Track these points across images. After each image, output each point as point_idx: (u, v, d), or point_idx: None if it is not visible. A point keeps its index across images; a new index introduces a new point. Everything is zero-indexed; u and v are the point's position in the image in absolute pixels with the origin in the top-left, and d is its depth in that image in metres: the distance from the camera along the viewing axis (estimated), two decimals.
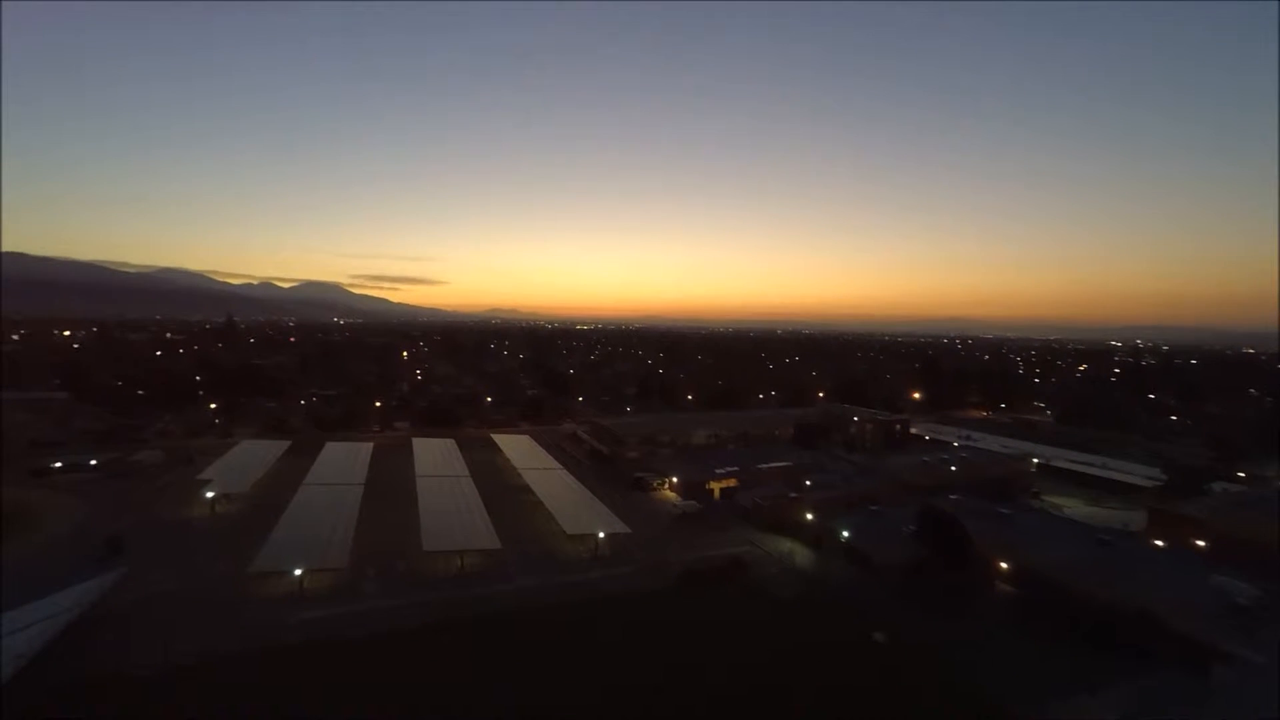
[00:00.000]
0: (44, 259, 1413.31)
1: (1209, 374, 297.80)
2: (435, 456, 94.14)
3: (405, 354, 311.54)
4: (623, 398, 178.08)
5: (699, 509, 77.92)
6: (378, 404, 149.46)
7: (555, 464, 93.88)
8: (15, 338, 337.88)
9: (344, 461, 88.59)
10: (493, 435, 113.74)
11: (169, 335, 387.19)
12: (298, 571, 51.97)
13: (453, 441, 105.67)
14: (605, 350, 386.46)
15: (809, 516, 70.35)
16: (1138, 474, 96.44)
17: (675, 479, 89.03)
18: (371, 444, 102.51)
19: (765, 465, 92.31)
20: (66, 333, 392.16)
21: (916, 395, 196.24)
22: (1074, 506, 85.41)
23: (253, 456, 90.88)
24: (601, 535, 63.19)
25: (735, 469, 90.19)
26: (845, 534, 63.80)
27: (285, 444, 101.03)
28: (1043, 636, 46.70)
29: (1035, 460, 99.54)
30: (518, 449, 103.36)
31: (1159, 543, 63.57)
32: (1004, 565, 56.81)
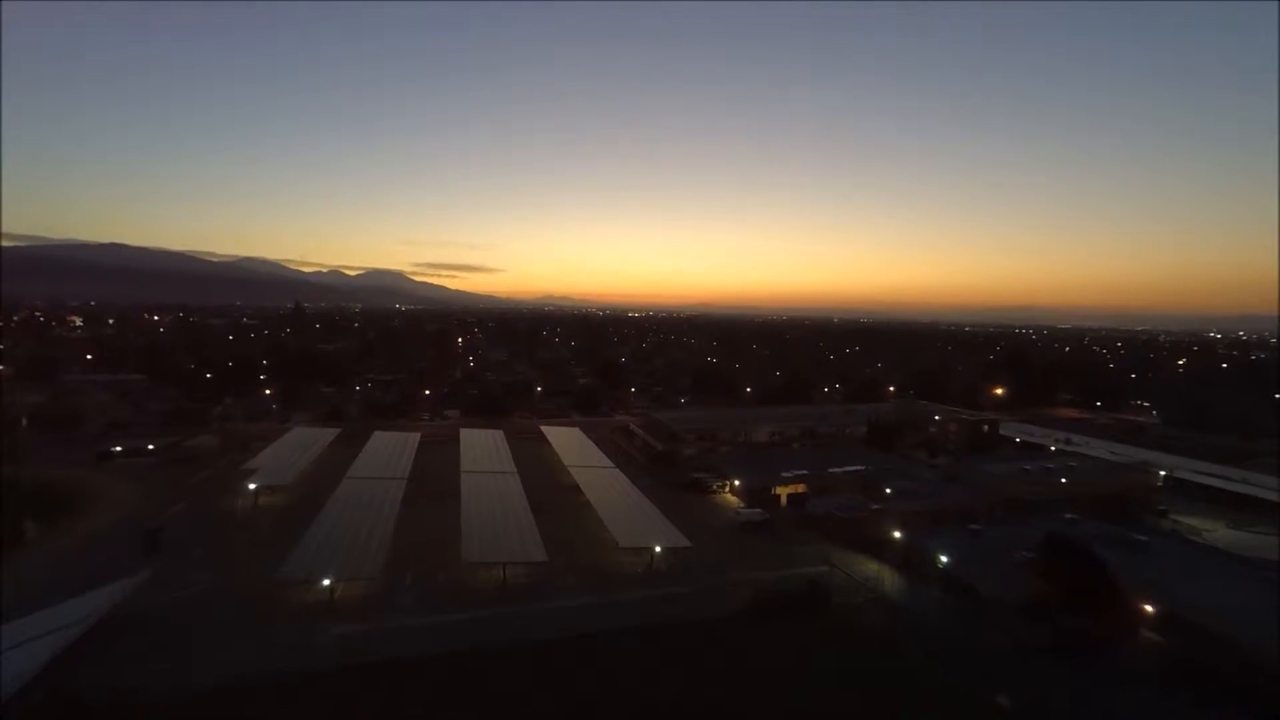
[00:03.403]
0: (142, 249, 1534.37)
1: None
2: (482, 449, 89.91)
3: (460, 340, 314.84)
4: (677, 389, 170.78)
5: (764, 518, 69.94)
6: (429, 392, 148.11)
7: (607, 461, 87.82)
8: (110, 322, 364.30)
9: (390, 453, 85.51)
10: (542, 427, 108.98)
11: (244, 320, 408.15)
12: (328, 581, 47.86)
13: (501, 433, 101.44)
14: (657, 338, 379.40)
15: (895, 534, 61.19)
16: None
17: (736, 482, 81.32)
18: (419, 434, 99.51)
19: (837, 469, 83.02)
20: (155, 318, 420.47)
21: (998, 391, 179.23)
22: (1214, 530, 72.03)
23: (302, 445, 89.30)
24: (658, 549, 56.41)
25: (803, 472, 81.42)
26: (943, 558, 54.49)
27: (335, 432, 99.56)
28: (1217, 710, 36.70)
29: (1162, 473, 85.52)
30: (568, 443, 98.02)
31: None
32: (1148, 608, 46.44)
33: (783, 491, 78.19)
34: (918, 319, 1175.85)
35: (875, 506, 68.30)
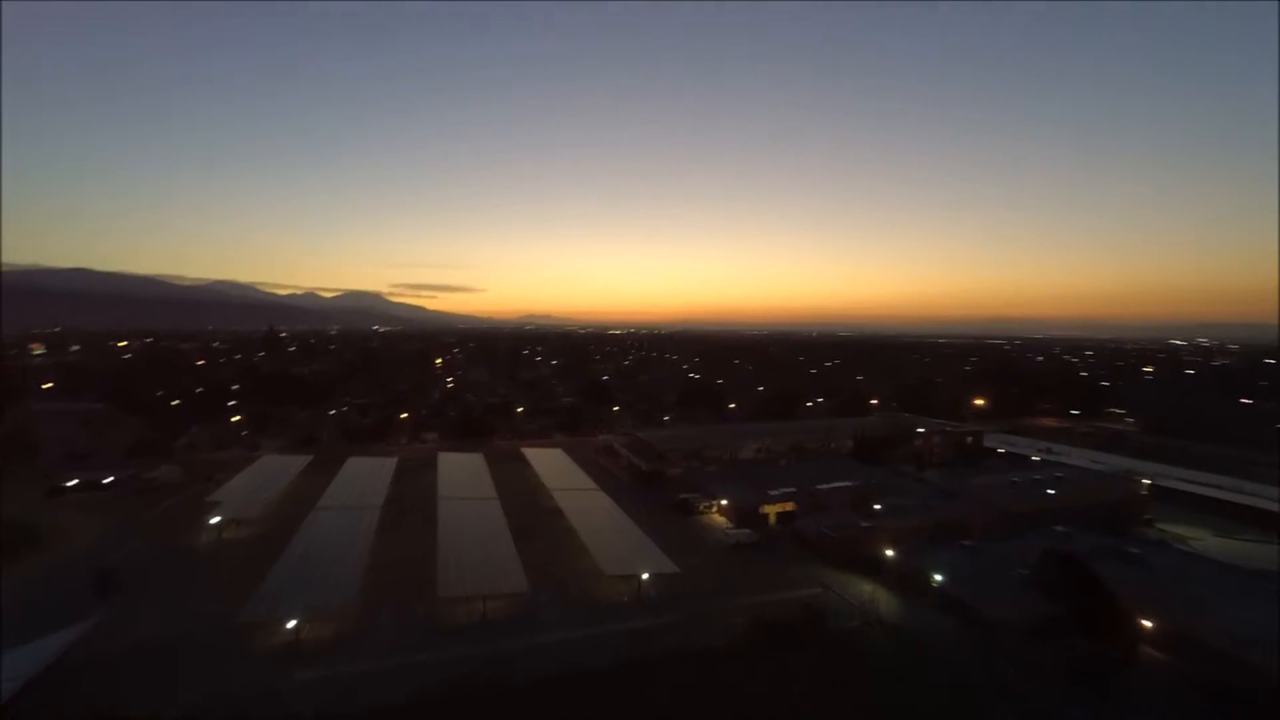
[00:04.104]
0: (108, 274, 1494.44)
1: None
2: (461, 474, 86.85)
3: (439, 361, 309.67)
4: (661, 407, 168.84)
5: (754, 538, 68.02)
6: (407, 414, 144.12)
7: (591, 483, 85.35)
8: (74, 349, 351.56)
9: (364, 480, 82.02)
10: (524, 449, 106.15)
11: (215, 345, 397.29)
12: (294, 621, 44.62)
13: (481, 456, 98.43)
14: (640, 356, 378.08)
15: (888, 551, 59.66)
16: (1267, 497, 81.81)
17: (724, 501, 79.39)
18: (395, 459, 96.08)
19: (826, 485, 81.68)
20: (122, 343, 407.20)
21: (979, 402, 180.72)
22: (1201, 539, 71.93)
23: (271, 474, 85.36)
24: (645, 577, 54.03)
25: (792, 490, 79.86)
26: (938, 576, 53.08)
27: (306, 459, 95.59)
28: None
29: (1146, 481, 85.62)
30: (550, 464, 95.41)
31: None
32: (1146, 624, 45.41)
33: (771, 510, 76.43)
34: (895, 332, 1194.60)
35: (866, 524, 66.90)
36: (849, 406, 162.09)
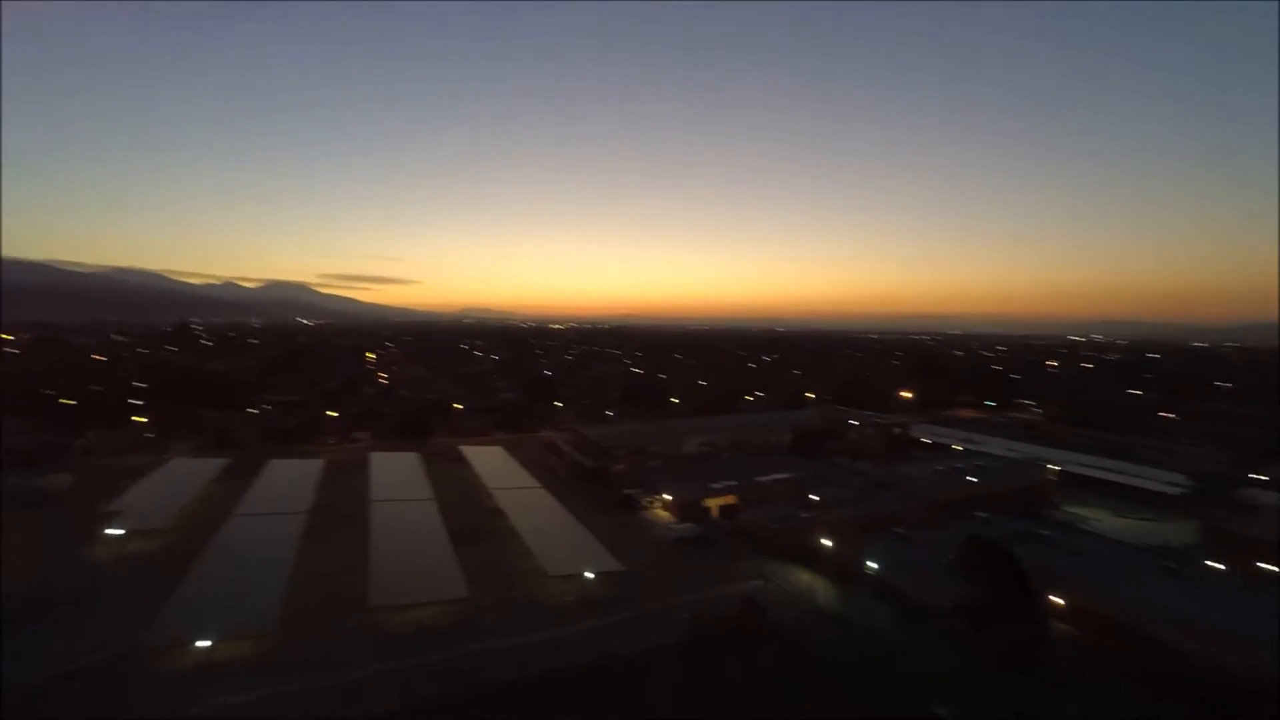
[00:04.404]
0: None
1: (1178, 369, 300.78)
2: (396, 475, 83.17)
3: (372, 356, 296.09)
4: (604, 402, 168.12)
5: (697, 533, 68.71)
6: (336, 414, 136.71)
7: (533, 481, 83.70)
8: None
9: (288, 484, 77.03)
10: (463, 447, 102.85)
11: (116, 338, 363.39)
12: (209, 642, 41.12)
13: (417, 456, 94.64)
14: (582, 350, 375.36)
15: (826, 542, 61.69)
16: (1156, 479, 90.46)
17: (668, 496, 79.80)
18: (323, 461, 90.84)
19: (766, 478, 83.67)
20: (8, 337, 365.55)
21: (906, 395, 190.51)
22: (1101, 519, 78.66)
23: (180, 479, 78.71)
24: (590, 576, 53.36)
25: (734, 483, 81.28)
26: (872, 564, 55.31)
27: (222, 463, 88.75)
28: (1140, 706, 38.66)
29: (1054, 467, 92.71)
30: (490, 463, 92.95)
31: (1219, 567, 56.65)
32: (1059, 601, 49.05)
33: (714, 504, 77.50)
34: (830, 328, 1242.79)
35: (805, 515, 68.93)
36: (787, 400, 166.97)
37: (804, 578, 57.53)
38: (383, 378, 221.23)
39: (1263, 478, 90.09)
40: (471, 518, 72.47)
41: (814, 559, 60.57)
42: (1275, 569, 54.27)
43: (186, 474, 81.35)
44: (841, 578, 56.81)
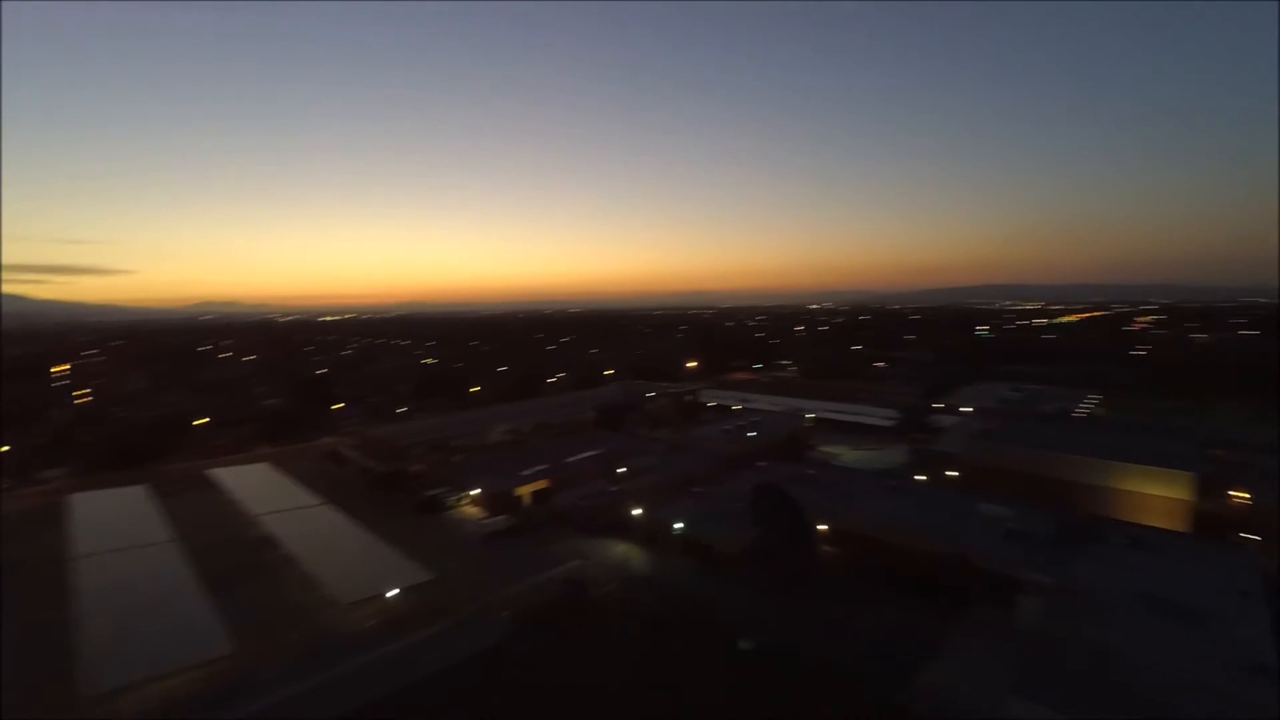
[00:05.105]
0: None
1: (882, 327, 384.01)
2: (112, 518, 64.81)
3: (64, 369, 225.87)
4: (395, 398, 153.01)
5: (511, 524, 66.62)
6: (6, 448, 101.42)
7: (313, 498, 72.27)
8: None
9: None
10: (212, 470, 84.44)
11: None
12: None
13: (142, 489, 75.13)
14: (364, 344, 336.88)
15: (636, 511, 64.63)
16: (876, 416, 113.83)
17: (477, 491, 75.79)
18: None
19: (575, 458, 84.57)
20: None
21: (692, 365, 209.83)
22: (844, 453, 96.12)
23: None
24: (394, 593, 47.93)
25: (544, 467, 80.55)
26: (679, 525, 59.53)
27: None
28: (884, 599, 48.08)
29: (809, 415, 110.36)
30: (253, 484, 77.92)
31: (923, 478, 73.39)
32: (824, 528, 58.53)
33: (525, 491, 75.82)
34: (621, 306, 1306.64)
35: (615, 488, 71.29)
36: (586, 379, 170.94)
37: (620, 549, 59.57)
38: (82, 396, 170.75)
39: (939, 406, 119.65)
40: (232, 553, 59.94)
41: (627, 529, 63.07)
42: (955, 474, 72.30)
43: None
44: (653, 542, 60.17)
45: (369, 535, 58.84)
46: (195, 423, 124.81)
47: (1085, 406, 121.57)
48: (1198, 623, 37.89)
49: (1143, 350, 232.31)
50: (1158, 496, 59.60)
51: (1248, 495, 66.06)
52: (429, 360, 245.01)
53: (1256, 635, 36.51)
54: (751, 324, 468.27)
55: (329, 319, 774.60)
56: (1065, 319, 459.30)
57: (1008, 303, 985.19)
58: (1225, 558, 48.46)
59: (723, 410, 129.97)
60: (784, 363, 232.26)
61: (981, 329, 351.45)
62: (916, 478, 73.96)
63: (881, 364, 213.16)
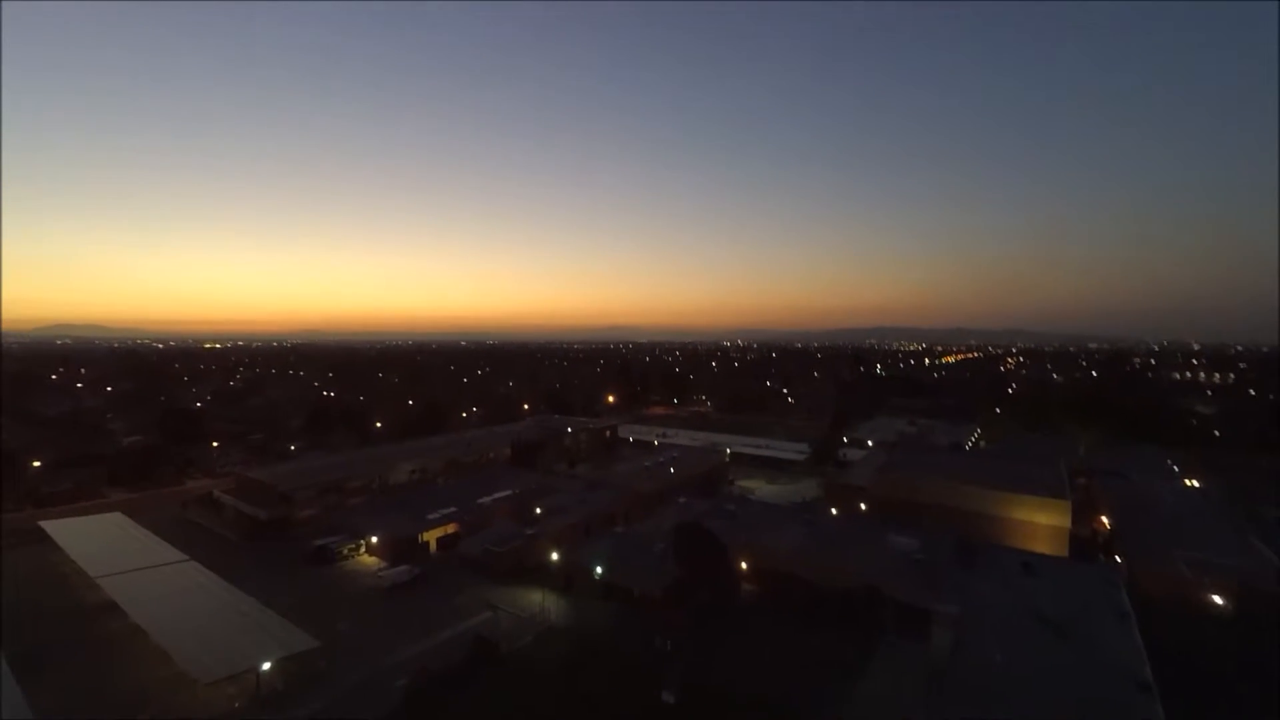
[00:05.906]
0: None
1: (788, 363, 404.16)
2: None
3: None
4: (286, 434, 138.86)
5: (414, 574, 60.57)
6: None
7: (173, 553, 62.16)
8: None
9: None
10: (46, 522, 71.11)
11: None
12: None
13: None
14: (251, 374, 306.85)
15: (553, 555, 61.02)
16: (789, 450, 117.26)
17: (375, 538, 68.86)
18: None
19: (488, 498, 79.49)
20: None
21: (611, 399, 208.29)
22: (760, 487, 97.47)
23: None
24: (266, 667, 41.26)
25: (452, 510, 74.83)
26: (598, 569, 56.65)
27: None
28: (803, 631, 47.75)
29: (728, 450, 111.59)
30: (97, 538, 66.08)
31: (834, 511, 75.38)
32: (744, 565, 57.92)
33: (432, 536, 69.91)
34: (535, 339, 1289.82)
35: (529, 531, 67.24)
36: (503, 414, 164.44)
37: (535, 597, 55.46)
38: None
39: (846, 440, 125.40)
40: (59, 624, 49.95)
41: (543, 574, 59.19)
42: (865, 507, 74.93)
43: None
44: (571, 588, 56.77)
45: (241, 596, 50.94)
46: (26, 463, 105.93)
47: (970, 438, 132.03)
48: (1087, 641, 40.46)
49: (1012, 387, 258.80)
50: (1042, 525, 64.58)
51: (1107, 520, 73.81)
52: (328, 392, 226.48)
53: (1133, 651, 39.49)
54: (669, 359, 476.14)
55: (213, 346, 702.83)
56: (947, 359, 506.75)
57: (900, 342, 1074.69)
58: (1098, 578, 52.68)
59: (642, 445, 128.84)
60: (700, 397, 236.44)
61: (877, 366, 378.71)
62: (830, 510, 75.89)
63: (790, 399, 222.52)
